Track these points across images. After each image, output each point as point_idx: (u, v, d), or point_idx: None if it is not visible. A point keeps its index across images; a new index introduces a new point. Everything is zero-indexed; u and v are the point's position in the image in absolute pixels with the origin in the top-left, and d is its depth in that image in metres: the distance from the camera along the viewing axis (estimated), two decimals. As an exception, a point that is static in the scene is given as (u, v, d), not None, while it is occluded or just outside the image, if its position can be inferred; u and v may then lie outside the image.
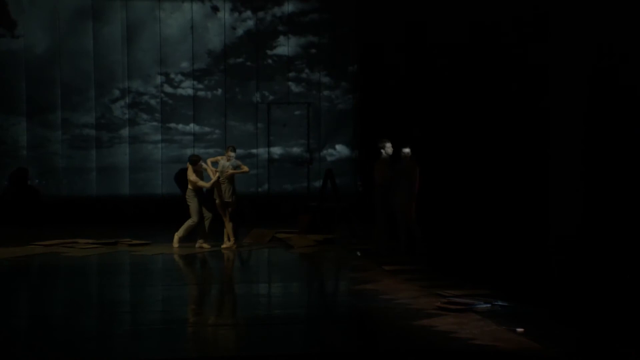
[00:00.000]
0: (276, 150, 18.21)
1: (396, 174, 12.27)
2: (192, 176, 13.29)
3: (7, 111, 17.63)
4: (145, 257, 12.62)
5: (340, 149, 18.45)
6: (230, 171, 13.17)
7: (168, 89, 18.10)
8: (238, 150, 14.27)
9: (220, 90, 18.20)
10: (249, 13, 18.28)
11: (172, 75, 18.10)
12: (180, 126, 18.11)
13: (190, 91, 18.13)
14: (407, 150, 12.27)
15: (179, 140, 18.07)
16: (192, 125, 18.09)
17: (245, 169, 13.48)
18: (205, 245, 13.36)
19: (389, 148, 12.42)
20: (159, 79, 18.04)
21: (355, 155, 18.35)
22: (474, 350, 6.93)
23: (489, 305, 8.49)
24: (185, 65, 18.12)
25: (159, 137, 18.01)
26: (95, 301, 9.75)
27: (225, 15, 18.20)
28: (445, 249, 12.52)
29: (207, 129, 18.03)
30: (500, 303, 8.55)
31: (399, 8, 15.75)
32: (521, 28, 11.08)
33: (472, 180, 12.66)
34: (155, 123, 18.04)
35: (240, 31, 18.29)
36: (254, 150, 18.13)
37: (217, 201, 13.30)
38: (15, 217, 16.80)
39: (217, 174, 13.18)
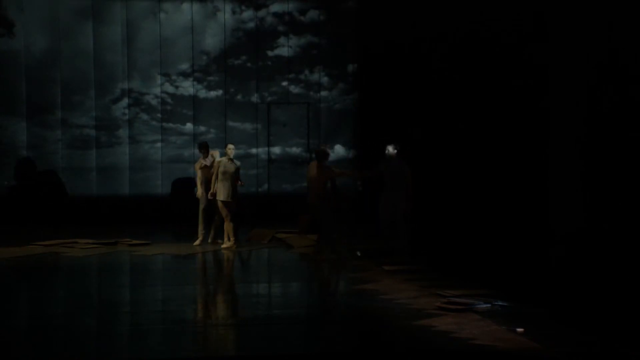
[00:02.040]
0: (276, 151, 18.20)
1: (387, 174, 12.11)
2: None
3: (7, 111, 17.62)
4: (145, 257, 12.62)
5: (341, 149, 18.44)
6: (235, 177, 13.27)
7: (168, 89, 18.10)
8: (238, 151, 14.29)
9: (220, 91, 18.20)
10: (249, 13, 18.28)
11: (172, 76, 18.10)
12: (180, 126, 18.10)
13: (190, 91, 18.13)
14: (392, 148, 12.11)
15: (179, 141, 18.07)
16: (192, 125, 18.08)
17: (241, 183, 13.65)
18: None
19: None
20: (159, 79, 18.04)
21: (351, 155, 18.33)
22: (474, 350, 6.93)
23: (489, 305, 8.49)
24: (185, 65, 18.11)
25: (158, 137, 18.01)
26: (95, 301, 9.75)
27: (225, 15, 18.19)
28: (445, 249, 12.52)
29: (207, 129, 18.02)
30: (500, 303, 8.55)
31: (398, 8, 15.76)
32: (521, 28, 11.08)
33: (473, 180, 12.66)
34: (155, 123, 18.04)
35: (240, 31, 18.29)
36: (253, 150, 18.13)
37: (218, 201, 13.32)
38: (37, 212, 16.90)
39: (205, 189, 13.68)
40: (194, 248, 13.42)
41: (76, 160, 17.77)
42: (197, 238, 13.74)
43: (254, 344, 7.53)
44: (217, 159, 13.66)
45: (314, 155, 12.41)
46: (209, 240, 13.87)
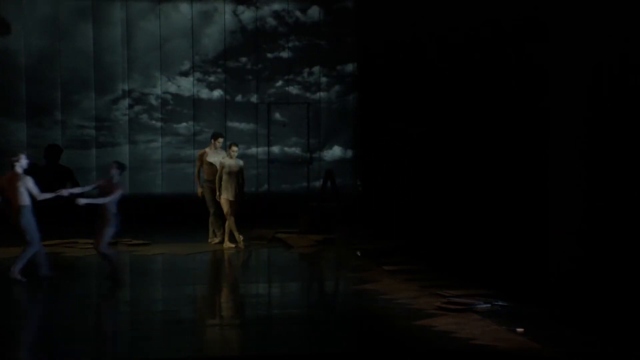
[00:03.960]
0: (276, 151, 18.20)
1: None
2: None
3: (6, 111, 17.61)
4: (145, 257, 12.62)
5: (340, 150, 18.45)
6: (239, 176, 13.31)
7: (168, 88, 18.10)
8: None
9: (220, 91, 18.20)
10: (249, 14, 18.28)
11: (172, 75, 18.10)
12: (180, 126, 18.11)
13: (190, 91, 18.12)
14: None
15: (179, 140, 18.06)
16: (192, 125, 18.08)
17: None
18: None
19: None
20: (159, 79, 18.04)
21: (350, 155, 18.33)
22: (474, 350, 6.94)
23: (489, 305, 8.50)
24: (185, 65, 18.11)
25: (158, 137, 18.01)
26: (95, 301, 9.75)
27: (225, 15, 18.20)
28: (445, 249, 12.52)
29: (207, 129, 18.01)
30: (500, 303, 8.56)
31: (398, 8, 15.75)
32: (521, 28, 11.07)
33: (472, 180, 12.65)
34: (155, 123, 18.04)
35: (240, 32, 18.29)
36: (253, 150, 18.13)
37: (223, 199, 13.30)
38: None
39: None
40: (204, 246, 13.45)
41: (76, 161, 17.76)
42: (213, 238, 13.82)
43: (254, 344, 7.53)
44: (225, 159, 13.55)
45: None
46: (217, 240, 13.87)
